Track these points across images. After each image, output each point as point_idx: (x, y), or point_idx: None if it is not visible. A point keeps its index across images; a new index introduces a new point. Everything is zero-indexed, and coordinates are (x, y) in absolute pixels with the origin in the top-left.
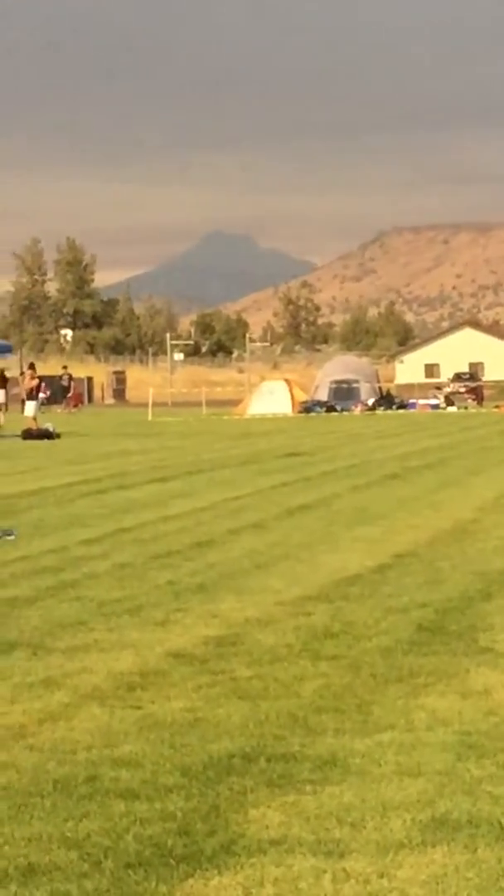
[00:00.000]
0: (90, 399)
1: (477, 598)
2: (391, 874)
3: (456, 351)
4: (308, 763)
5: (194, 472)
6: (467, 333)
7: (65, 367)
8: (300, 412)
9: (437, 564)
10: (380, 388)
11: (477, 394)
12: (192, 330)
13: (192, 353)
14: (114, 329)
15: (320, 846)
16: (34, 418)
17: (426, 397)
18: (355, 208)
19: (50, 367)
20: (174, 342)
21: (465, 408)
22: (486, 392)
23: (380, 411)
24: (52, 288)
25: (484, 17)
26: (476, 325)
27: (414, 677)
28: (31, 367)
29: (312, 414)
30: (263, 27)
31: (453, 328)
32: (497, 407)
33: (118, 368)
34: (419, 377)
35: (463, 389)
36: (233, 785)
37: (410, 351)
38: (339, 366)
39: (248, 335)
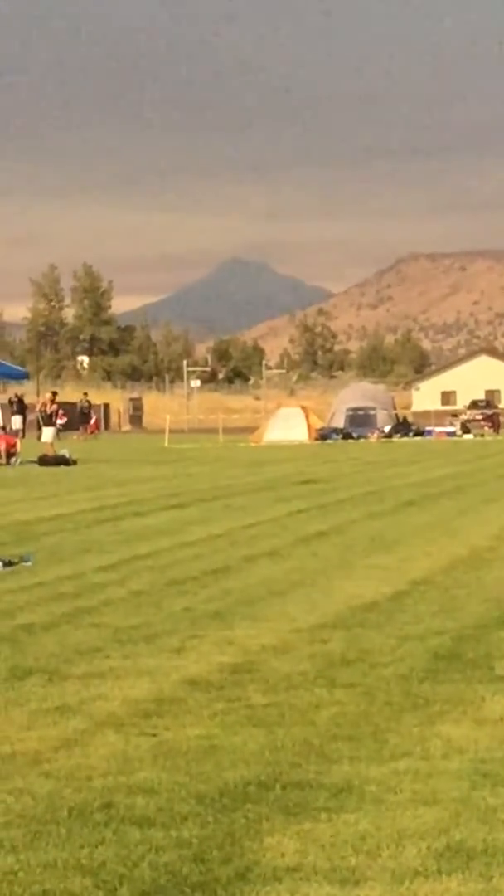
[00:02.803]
0: (107, 425)
1: (493, 626)
2: None
3: (472, 378)
4: (323, 791)
5: (210, 499)
6: (484, 361)
7: (85, 394)
8: (316, 439)
9: (453, 592)
10: (396, 416)
11: (493, 421)
12: (209, 357)
13: (209, 379)
14: (131, 356)
15: (336, 874)
16: (51, 444)
17: (442, 425)
18: (372, 235)
19: (67, 393)
20: (191, 369)
21: (482, 435)
22: (502, 419)
23: (396, 439)
24: (69, 314)
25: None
26: (492, 352)
27: (430, 705)
28: (54, 394)
29: (329, 441)
30: (279, 54)
31: (470, 355)
32: None
33: (135, 395)
34: (436, 404)
35: (479, 417)
36: (248, 812)
37: (427, 378)
38: (355, 393)
39: (264, 362)
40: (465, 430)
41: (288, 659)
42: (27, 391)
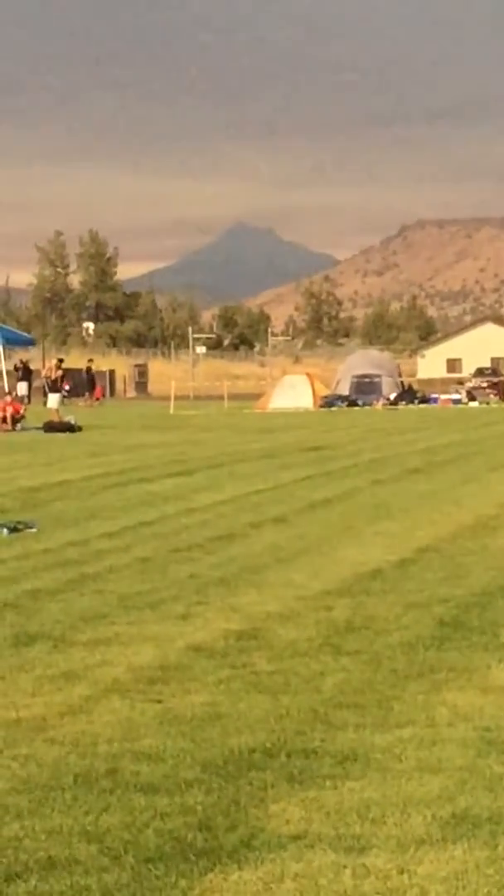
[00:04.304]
0: (112, 392)
1: (498, 594)
2: (411, 870)
3: (478, 346)
4: (328, 758)
5: (215, 466)
6: (490, 328)
7: (91, 361)
8: (322, 406)
9: (458, 560)
10: (402, 383)
11: (499, 389)
12: (215, 323)
13: (214, 346)
14: (136, 322)
15: (340, 841)
16: (56, 410)
17: (448, 392)
18: (378, 202)
19: (72, 359)
20: (196, 335)
21: (487, 403)
22: None
23: (401, 406)
24: (74, 281)
25: None
26: (498, 319)
27: (435, 673)
28: (60, 361)
29: (334, 408)
30: (286, 20)
31: (475, 323)
32: None
33: (140, 361)
34: (441, 372)
35: (485, 384)
36: (253, 780)
37: (432, 345)
38: (360, 360)
39: (269, 329)
40: (471, 397)
41: (293, 626)
42: (33, 357)
